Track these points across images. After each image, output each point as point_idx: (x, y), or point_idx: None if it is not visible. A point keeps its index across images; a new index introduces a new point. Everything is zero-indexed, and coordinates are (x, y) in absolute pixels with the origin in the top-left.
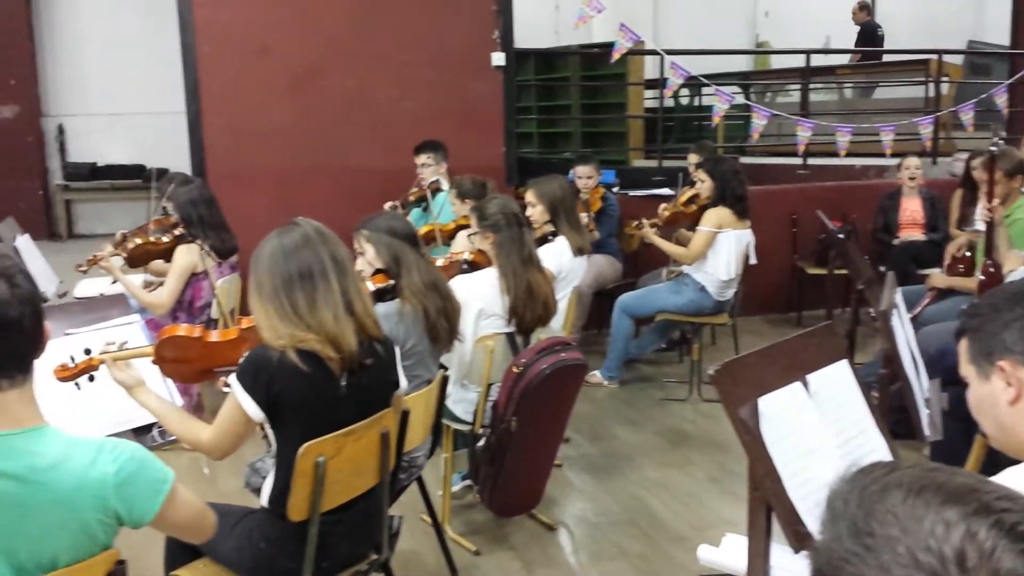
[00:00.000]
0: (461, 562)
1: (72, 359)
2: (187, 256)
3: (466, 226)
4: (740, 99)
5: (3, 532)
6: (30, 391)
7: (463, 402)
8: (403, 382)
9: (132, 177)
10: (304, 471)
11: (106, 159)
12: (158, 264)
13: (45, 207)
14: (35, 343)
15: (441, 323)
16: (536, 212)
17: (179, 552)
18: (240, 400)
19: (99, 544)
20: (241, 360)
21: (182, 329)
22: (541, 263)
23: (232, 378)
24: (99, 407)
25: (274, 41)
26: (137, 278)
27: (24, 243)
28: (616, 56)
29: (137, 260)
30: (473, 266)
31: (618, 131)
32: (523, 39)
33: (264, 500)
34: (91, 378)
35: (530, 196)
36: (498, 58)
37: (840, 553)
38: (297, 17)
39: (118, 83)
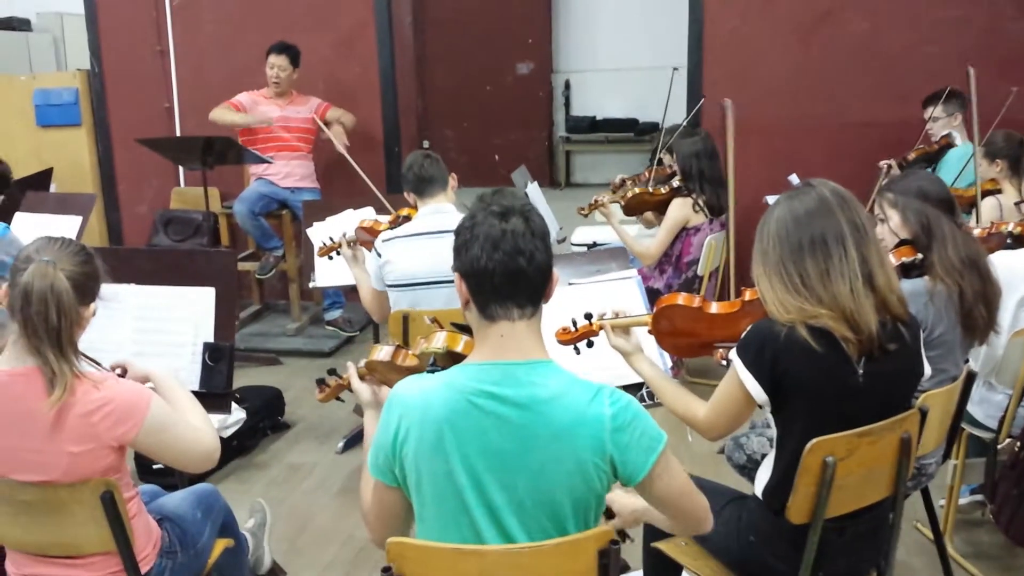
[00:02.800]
0: None
1: (574, 323)
2: (681, 210)
3: (993, 191)
4: None
5: (505, 462)
6: (537, 325)
7: (986, 404)
8: (927, 369)
9: (625, 130)
10: (809, 469)
11: (604, 113)
12: (650, 215)
13: (549, 157)
14: (546, 279)
15: (979, 309)
16: None
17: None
18: (741, 377)
19: (593, 491)
20: (744, 334)
21: (681, 299)
22: None
23: (733, 353)
24: (593, 365)
25: None
26: (632, 228)
27: (533, 190)
28: None
29: (633, 209)
30: (1020, 241)
31: None
32: None
33: (758, 490)
34: (590, 344)
35: None
36: None
37: None
38: None
39: (619, 41)
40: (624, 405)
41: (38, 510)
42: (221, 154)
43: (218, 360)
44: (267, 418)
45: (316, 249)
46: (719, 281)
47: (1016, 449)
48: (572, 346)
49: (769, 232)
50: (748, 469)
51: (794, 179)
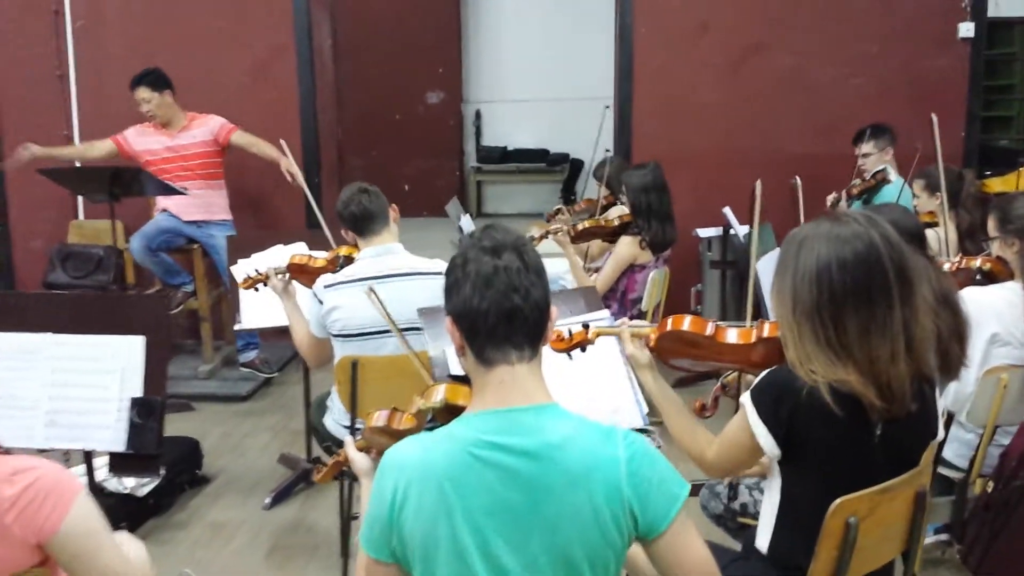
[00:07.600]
0: None
1: (569, 331)
2: (629, 248)
3: (931, 224)
4: None
5: (515, 520)
6: (539, 369)
7: (955, 442)
8: (941, 432)
9: (536, 161)
10: (832, 532)
11: (515, 144)
12: (596, 244)
13: (460, 187)
14: (544, 318)
15: (953, 347)
16: None
17: None
18: (752, 426)
19: (612, 546)
20: (760, 378)
21: (687, 322)
22: None
23: (746, 397)
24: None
25: (715, 18)
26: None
27: (467, 221)
28: None
29: (580, 239)
30: (989, 277)
31: None
32: None
33: (763, 547)
34: (583, 349)
35: None
36: (966, 28)
37: None
38: None
39: (529, 71)
40: (640, 448)
41: None
42: (128, 185)
43: (148, 417)
44: (184, 472)
45: (240, 281)
46: (661, 315)
47: (988, 490)
48: (566, 353)
49: (806, 270)
50: (724, 519)
51: (728, 212)
